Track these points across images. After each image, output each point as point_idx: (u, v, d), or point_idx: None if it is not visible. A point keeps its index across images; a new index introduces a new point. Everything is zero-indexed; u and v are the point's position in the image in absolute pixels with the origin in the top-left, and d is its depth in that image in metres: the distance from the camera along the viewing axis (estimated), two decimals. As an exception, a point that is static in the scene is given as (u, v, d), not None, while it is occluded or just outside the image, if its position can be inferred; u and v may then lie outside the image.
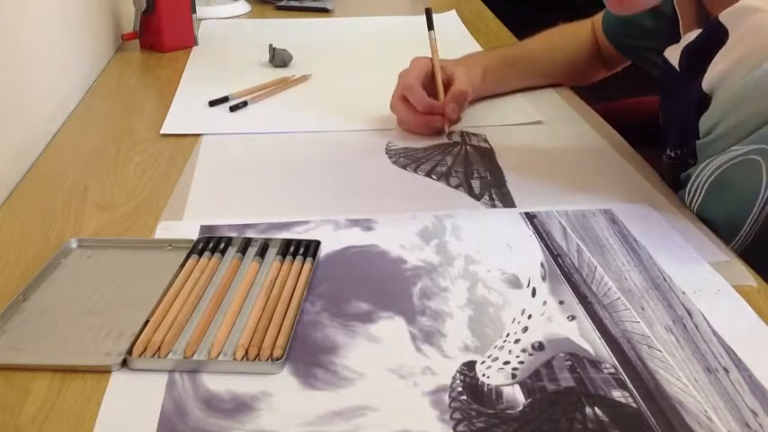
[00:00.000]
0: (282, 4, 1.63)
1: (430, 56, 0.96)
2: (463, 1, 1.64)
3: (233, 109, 1.01)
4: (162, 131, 0.94)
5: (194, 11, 1.30)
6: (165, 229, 0.72)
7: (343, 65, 1.22)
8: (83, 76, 1.13)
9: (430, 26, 0.99)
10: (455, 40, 1.37)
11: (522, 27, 1.42)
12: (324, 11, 1.59)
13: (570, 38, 1.12)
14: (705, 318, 0.60)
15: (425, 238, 0.71)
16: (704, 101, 0.73)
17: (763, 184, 0.68)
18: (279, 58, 1.19)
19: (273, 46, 1.19)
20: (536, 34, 1.12)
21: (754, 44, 0.68)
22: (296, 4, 1.63)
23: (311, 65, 1.18)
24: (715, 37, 0.71)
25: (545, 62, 1.08)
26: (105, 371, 0.53)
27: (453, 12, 1.53)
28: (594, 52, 1.12)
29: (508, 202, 0.79)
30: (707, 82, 0.72)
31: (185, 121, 0.98)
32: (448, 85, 0.94)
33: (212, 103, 1.02)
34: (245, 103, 1.02)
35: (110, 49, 1.27)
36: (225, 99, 1.03)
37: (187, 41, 1.30)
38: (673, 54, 0.80)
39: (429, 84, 0.93)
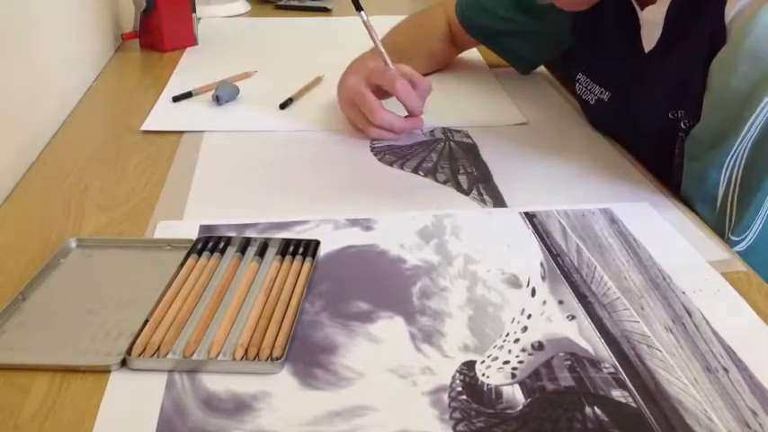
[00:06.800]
0: (282, 3, 1.63)
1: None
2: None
3: (176, 99, 1.04)
4: (142, 128, 0.95)
5: (194, 10, 1.30)
6: (165, 229, 0.72)
7: (343, 64, 1.22)
8: (82, 75, 1.13)
9: (358, 6, 0.95)
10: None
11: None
12: (324, 10, 1.59)
13: (430, 32, 1.14)
14: (705, 317, 0.60)
15: (425, 237, 0.71)
16: (718, 38, 0.73)
17: None
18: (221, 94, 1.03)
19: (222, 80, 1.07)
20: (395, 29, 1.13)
21: None
22: (296, 3, 1.63)
23: (311, 64, 1.18)
24: None
25: (413, 59, 1.03)
26: (105, 371, 0.53)
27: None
28: (450, 39, 1.15)
29: (497, 197, 0.79)
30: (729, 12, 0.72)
31: (166, 119, 0.98)
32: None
33: (175, 99, 1.04)
34: (189, 94, 1.05)
35: (109, 48, 1.27)
36: (188, 95, 1.05)
37: (187, 41, 1.30)
38: (654, 13, 0.81)
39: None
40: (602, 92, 0.93)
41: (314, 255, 0.66)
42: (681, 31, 0.79)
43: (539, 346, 0.57)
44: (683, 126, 0.79)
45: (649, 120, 0.85)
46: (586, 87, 0.95)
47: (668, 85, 0.81)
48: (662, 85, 0.83)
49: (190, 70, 1.18)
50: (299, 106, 1.04)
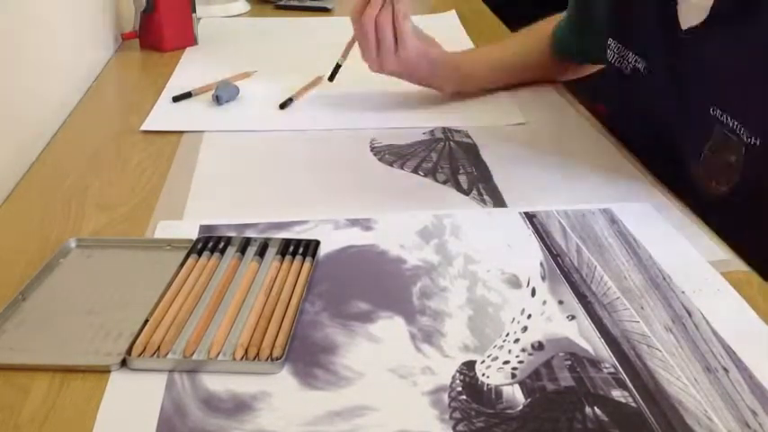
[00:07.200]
0: (282, 3, 1.63)
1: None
2: (463, 1, 1.64)
3: (176, 99, 1.04)
4: (142, 128, 0.95)
5: (194, 10, 1.30)
6: (165, 229, 0.72)
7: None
8: (83, 75, 1.13)
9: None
10: (453, 41, 1.36)
11: (522, 25, 1.41)
12: (324, 10, 1.59)
13: (540, 42, 1.11)
14: (705, 317, 0.60)
15: (425, 237, 0.71)
16: None
17: None
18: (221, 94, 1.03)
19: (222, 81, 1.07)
20: (514, 34, 1.13)
21: None
22: (296, 3, 1.62)
23: (311, 64, 1.18)
24: None
25: (518, 68, 1.05)
26: (105, 371, 0.53)
27: (453, 12, 1.52)
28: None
29: (497, 197, 0.79)
30: None
31: (166, 119, 0.98)
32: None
33: (175, 99, 1.04)
34: (189, 94, 1.05)
35: (109, 48, 1.27)
36: (188, 95, 1.05)
37: (187, 40, 1.30)
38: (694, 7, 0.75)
39: None
40: (637, 60, 0.85)
41: (314, 255, 0.66)
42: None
43: (539, 346, 0.57)
44: (737, 138, 0.72)
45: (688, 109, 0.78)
46: (618, 53, 0.88)
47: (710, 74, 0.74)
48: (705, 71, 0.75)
49: (190, 70, 1.18)
50: (298, 106, 1.04)
